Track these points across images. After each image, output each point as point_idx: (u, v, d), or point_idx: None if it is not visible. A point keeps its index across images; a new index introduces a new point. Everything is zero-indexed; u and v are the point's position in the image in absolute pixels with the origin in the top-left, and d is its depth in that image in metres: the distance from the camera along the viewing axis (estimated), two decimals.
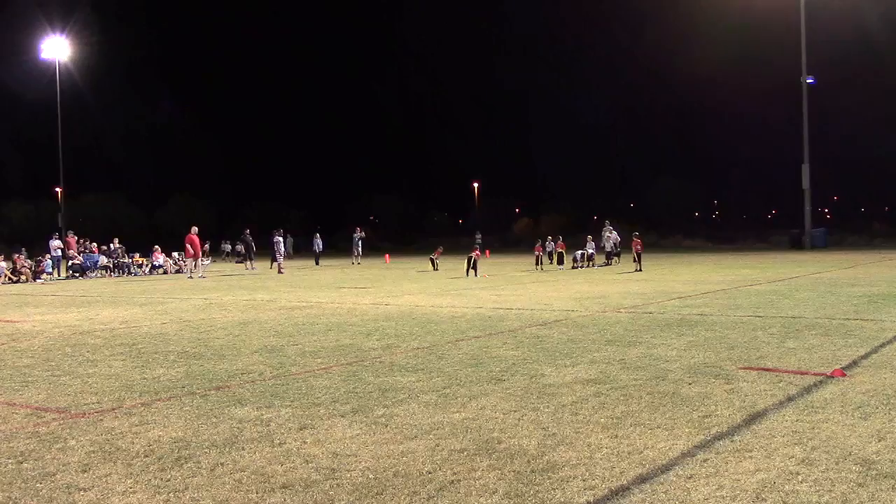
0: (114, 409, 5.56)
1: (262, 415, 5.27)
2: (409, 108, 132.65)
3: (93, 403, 5.78)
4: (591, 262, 26.64)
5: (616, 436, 4.54)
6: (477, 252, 24.13)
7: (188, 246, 26.59)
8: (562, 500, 3.54)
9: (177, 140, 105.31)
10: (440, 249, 28.57)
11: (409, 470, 4.00)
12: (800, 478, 3.74)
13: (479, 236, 63.91)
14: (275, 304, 14.24)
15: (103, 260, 29.42)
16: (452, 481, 3.81)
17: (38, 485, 3.88)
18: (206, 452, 4.39)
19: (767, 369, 6.51)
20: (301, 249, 50.85)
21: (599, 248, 28.57)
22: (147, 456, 4.34)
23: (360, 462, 4.15)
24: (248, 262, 31.39)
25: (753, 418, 4.88)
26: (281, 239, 30.14)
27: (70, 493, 3.75)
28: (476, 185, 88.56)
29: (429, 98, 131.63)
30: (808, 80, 42.66)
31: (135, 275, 29.33)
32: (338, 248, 54.59)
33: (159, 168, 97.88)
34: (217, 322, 11.27)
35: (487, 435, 4.62)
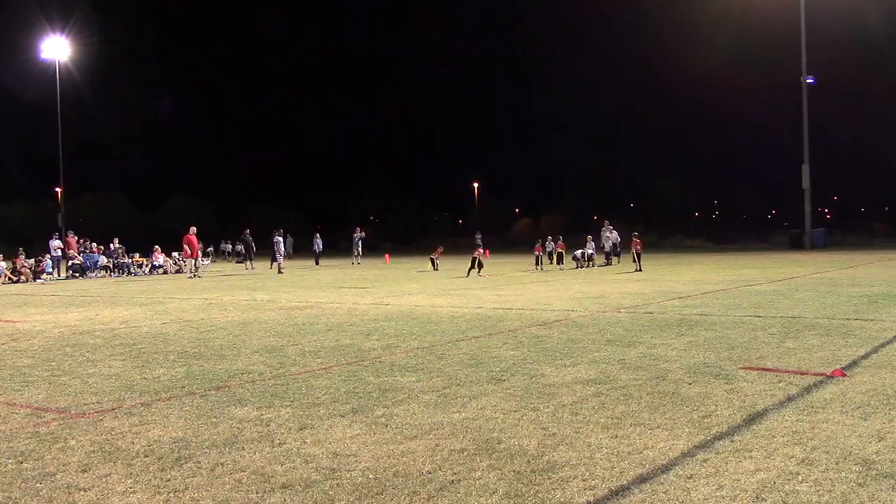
0: (114, 409, 5.56)
1: (262, 415, 5.27)
2: (410, 109, 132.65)
3: (93, 403, 5.78)
4: (591, 262, 26.64)
5: (616, 436, 4.54)
6: (479, 251, 24.18)
7: (186, 246, 26.63)
8: (562, 500, 3.54)
9: (177, 140, 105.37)
10: (440, 249, 28.57)
11: (409, 470, 4.00)
12: (800, 478, 3.74)
13: (479, 236, 63.93)
14: (275, 304, 14.24)
15: (103, 260, 29.43)
16: (452, 481, 3.81)
17: (38, 485, 3.88)
18: (206, 452, 4.39)
19: (767, 369, 6.51)
20: (301, 249, 50.86)
21: (599, 248, 28.57)
22: (147, 456, 4.34)
23: (360, 462, 4.15)
24: (248, 262, 31.39)
25: (753, 418, 4.88)
26: (281, 239, 30.14)
27: (70, 493, 3.75)
28: (476, 185, 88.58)
29: (429, 98, 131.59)
30: (808, 80, 42.64)
31: (135, 275, 29.33)
32: (338, 248, 54.62)
33: (159, 168, 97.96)
34: (217, 322, 11.27)
35: (487, 435, 4.62)
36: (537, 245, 27.82)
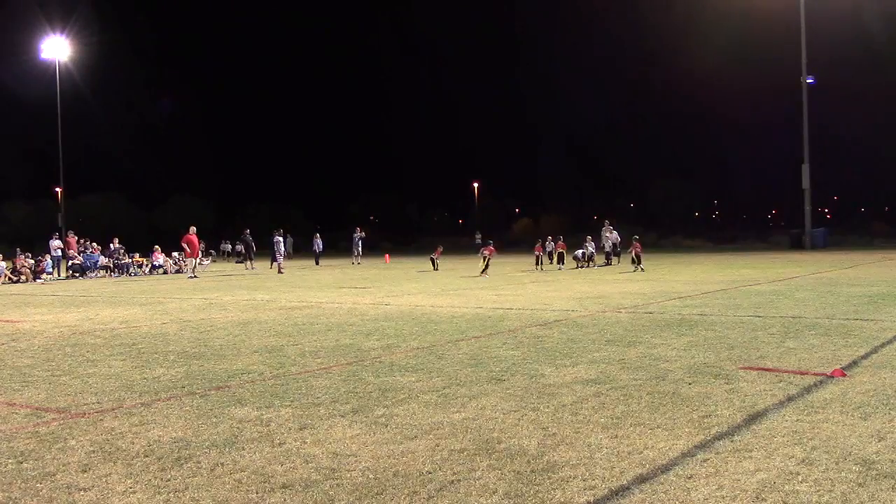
0: (114, 409, 5.56)
1: (262, 415, 5.27)
2: (410, 108, 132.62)
3: (93, 403, 5.78)
4: (591, 262, 26.65)
5: (616, 436, 4.54)
6: (491, 249, 24.30)
7: (185, 246, 26.64)
8: (562, 500, 3.54)
9: (177, 140, 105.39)
10: (440, 249, 28.59)
11: (409, 470, 3.99)
12: (800, 478, 3.74)
13: (479, 236, 63.95)
14: (275, 304, 14.24)
15: (103, 260, 29.43)
16: (452, 481, 3.81)
17: (38, 485, 3.88)
18: (206, 452, 4.39)
19: (767, 369, 6.51)
20: (301, 249, 50.86)
21: (599, 249, 28.57)
22: (147, 456, 4.34)
23: (360, 462, 4.14)
24: (248, 262, 31.40)
25: (753, 418, 4.88)
26: (281, 239, 30.14)
27: (70, 493, 3.75)
28: (476, 185, 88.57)
29: (430, 98, 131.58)
30: (808, 80, 42.65)
31: (135, 275, 29.33)
32: (338, 248, 54.60)
33: (159, 168, 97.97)
34: (217, 322, 11.27)
35: (487, 435, 4.62)
36: (537, 245, 27.81)
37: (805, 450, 4.18)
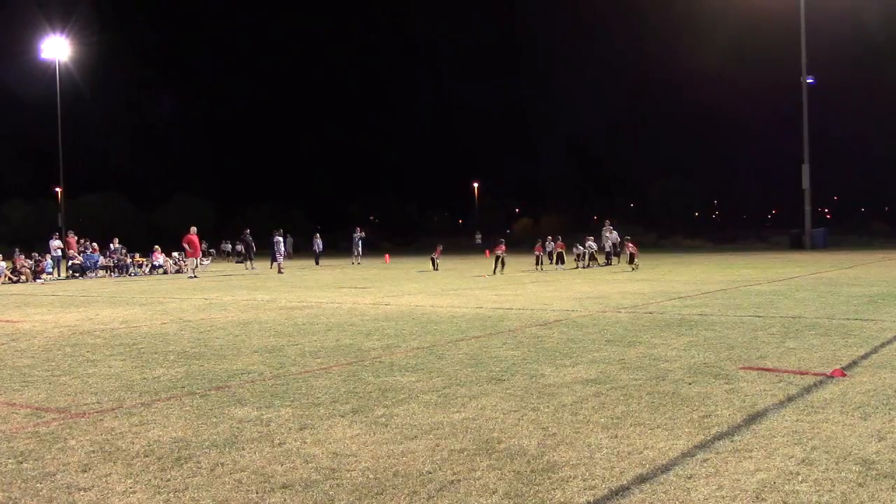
0: (114, 409, 5.56)
1: (262, 415, 5.27)
2: (410, 108, 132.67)
3: (93, 403, 5.78)
4: (592, 262, 26.68)
5: (616, 436, 4.54)
6: (503, 248, 24.54)
7: (186, 246, 26.65)
8: (562, 500, 3.54)
9: (177, 140, 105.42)
10: (440, 248, 28.60)
11: (409, 470, 4.00)
12: (800, 478, 3.74)
13: (478, 236, 63.97)
14: (275, 304, 14.24)
15: (103, 260, 29.43)
16: (452, 481, 3.81)
17: (38, 485, 3.88)
18: (206, 452, 4.39)
19: (767, 369, 6.51)
20: (301, 249, 50.84)
21: (599, 249, 28.58)
22: (147, 456, 4.34)
23: (360, 462, 4.15)
24: (248, 262, 31.39)
25: (753, 418, 4.88)
26: (281, 239, 30.14)
27: (70, 493, 3.75)
28: (476, 185, 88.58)
29: (430, 98, 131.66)
30: (808, 80, 42.63)
31: (135, 275, 29.34)
32: (338, 248, 54.59)
33: (159, 168, 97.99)
34: (217, 322, 11.27)
35: (487, 435, 4.62)
36: (537, 245, 27.82)
37: (805, 450, 4.18)
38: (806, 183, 42.68)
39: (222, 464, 4.16)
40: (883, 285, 15.34)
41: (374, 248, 55.26)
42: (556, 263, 26.86)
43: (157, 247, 32.27)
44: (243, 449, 4.44)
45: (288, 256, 38.45)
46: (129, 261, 30.47)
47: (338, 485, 3.79)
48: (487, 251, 46.98)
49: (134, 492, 3.75)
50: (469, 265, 30.98)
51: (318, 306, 13.45)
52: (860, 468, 3.86)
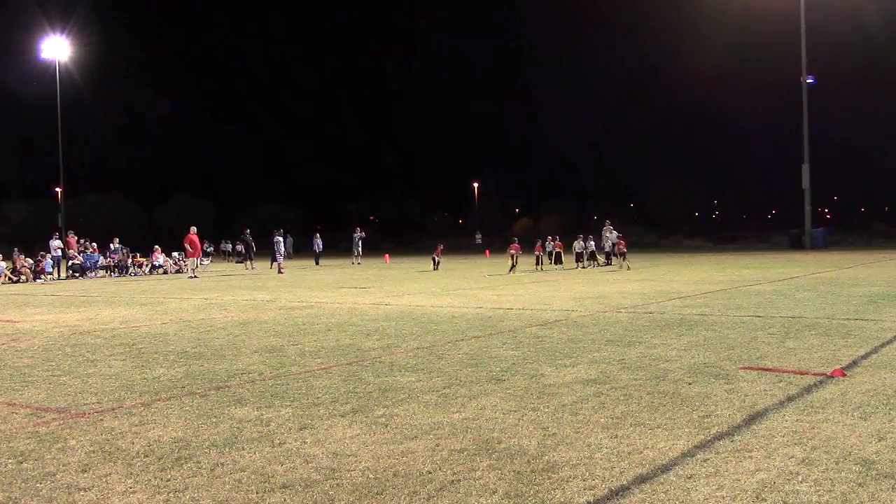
0: (114, 409, 5.56)
1: (262, 415, 5.27)
2: (410, 108, 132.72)
3: (93, 403, 5.78)
4: (592, 262, 26.71)
5: (616, 436, 4.54)
6: (517, 248, 24.87)
7: (187, 246, 26.65)
8: (562, 500, 3.54)
9: (177, 140, 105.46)
10: (441, 247, 28.59)
11: (409, 470, 3.99)
12: (800, 478, 3.74)
13: (478, 236, 63.94)
14: (275, 304, 14.24)
15: (103, 260, 29.43)
16: (452, 481, 3.81)
17: (38, 485, 3.88)
18: (206, 452, 4.39)
19: (767, 369, 6.51)
20: (301, 249, 50.84)
21: (599, 249, 28.58)
22: (147, 456, 4.34)
23: (360, 462, 4.15)
24: (249, 262, 31.39)
25: (753, 418, 4.88)
26: (281, 239, 30.13)
27: (70, 493, 3.75)
28: (476, 185, 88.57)
29: (430, 98, 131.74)
30: (808, 80, 42.62)
31: (135, 275, 29.34)
32: (338, 248, 54.60)
33: (159, 168, 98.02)
34: (217, 322, 11.27)
35: (487, 435, 4.62)
36: (537, 245, 27.82)
37: (805, 450, 4.18)
38: (806, 183, 42.66)
39: (222, 464, 4.16)
40: (883, 285, 15.34)
41: (374, 248, 55.26)
42: (556, 263, 26.88)
43: (157, 247, 32.27)
44: (243, 449, 4.44)
45: (288, 256, 38.45)
46: (129, 261, 30.47)
47: (338, 485, 3.79)
48: (487, 251, 46.99)
49: (134, 492, 3.75)
50: (469, 265, 30.99)
51: (318, 306, 13.45)
52: (860, 468, 3.86)
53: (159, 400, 5.86)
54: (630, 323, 9.98)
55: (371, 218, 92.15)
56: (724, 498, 3.50)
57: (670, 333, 8.84)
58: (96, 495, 3.71)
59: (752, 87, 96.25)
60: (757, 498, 3.49)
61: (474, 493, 3.64)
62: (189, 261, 27.11)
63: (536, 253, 27.30)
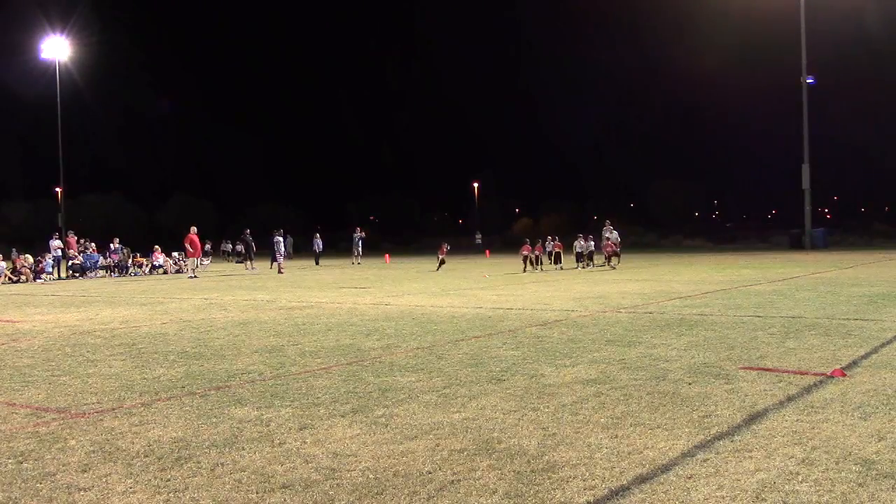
0: (114, 409, 5.56)
1: (262, 415, 5.27)
2: (410, 108, 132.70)
3: (93, 403, 5.78)
4: (592, 262, 26.70)
5: (616, 436, 4.54)
6: (528, 248, 25.07)
7: (188, 246, 26.65)
8: (562, 500, 3.54)
9: (177, 140, 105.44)
10: (446, 246, 28.50)
11: (409, 470, 3.99)
12: (800, 478, 3.74)
13: (478, 236, 63.94)
14: (275, 304, 14.24)
15: (103, 260, 29.43)
16: (452, 481, 3.81)
17: (38, 485, 3.88)
18: (206, 452, 4.39)
19: (767, 369, 6.51)
20: (301, 249, 50.84)
21: (599, 249, 28.58)
22: (147, 456, 4.34)
23: (360, 462, 4.14)
24: (248, 262, 31.38)
25: (753, 418, 4.88)
26: (281, 239, 30.13)
27: (70, 493, 3.75)
28: (476, 185, 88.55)
29: (430, 98, 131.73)
30: (808, 80, 42.62)
31: (135, 275, 29.33)
32: (338, 248, 54.60)
33: (159, 168, 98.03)
34: (217, 322, 11.27)
35: (487, 435, 4.62)
36: (538, 245, 27.78)
37: (805, 450, 4.18)
38: (806, 183, 42.66)
39: (222, 464, 4.16)
40: (883, 285, 15.34)
41: (374, 248, 55.27)
42: (555, 263, 26.87)
43: (157, 247, 32.27)
44: (243, 449, 4.44)
45: (288, 256, 38.45)
46: (129, 261, 30.47)
47: (338, 485, 3.79)
48: (487, 251, 46.98)
49: (134, 492, 3.75)
50: (469, 265, 30.99)
51: (318, 306, 13.45)
52: (860, 468, 3.86)
53: (159, 400, 5.86)
54: (630, 323, 9.98)
55: (371, 218, 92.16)
56: (724, 498, 3.50)
57: (670, 333, 8.84)
58: (96, 495, 3.71)
59: (752, 87, 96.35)
60: (757, 498, 3.49)
61: (474, 493, 3.64)
62: (189, 261, 27.11)
63: (537, 253, 27.00)
